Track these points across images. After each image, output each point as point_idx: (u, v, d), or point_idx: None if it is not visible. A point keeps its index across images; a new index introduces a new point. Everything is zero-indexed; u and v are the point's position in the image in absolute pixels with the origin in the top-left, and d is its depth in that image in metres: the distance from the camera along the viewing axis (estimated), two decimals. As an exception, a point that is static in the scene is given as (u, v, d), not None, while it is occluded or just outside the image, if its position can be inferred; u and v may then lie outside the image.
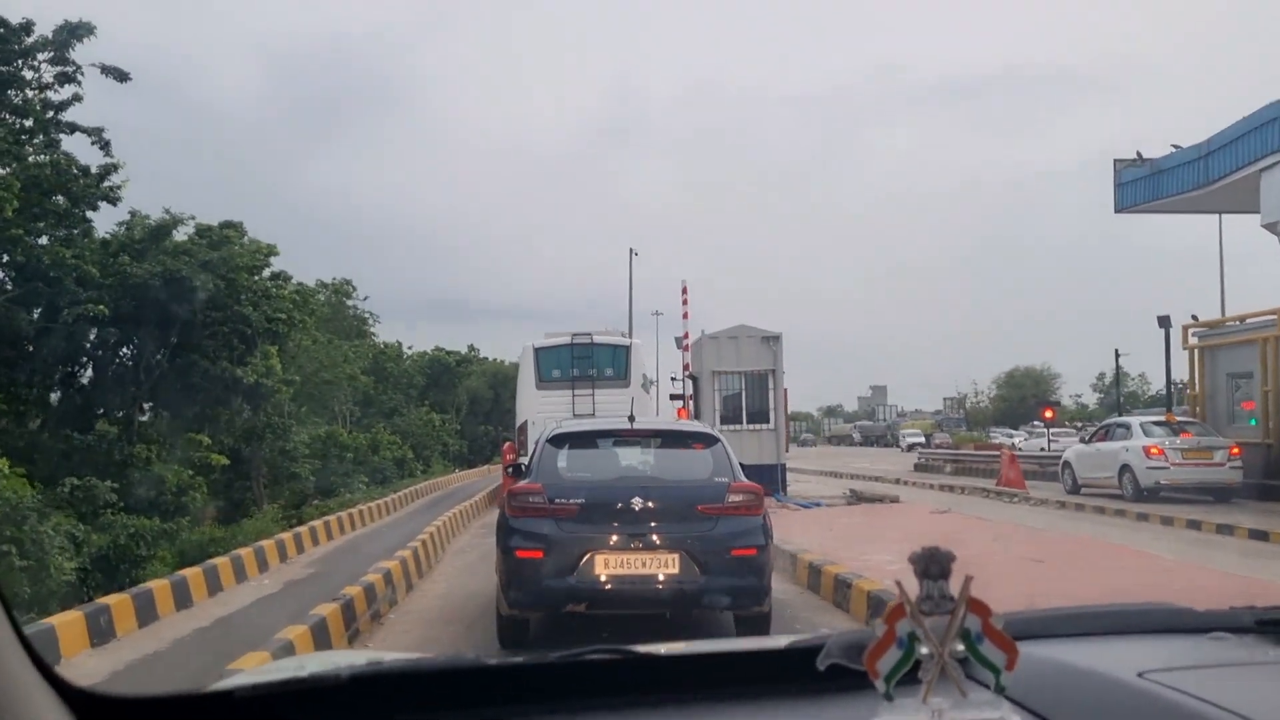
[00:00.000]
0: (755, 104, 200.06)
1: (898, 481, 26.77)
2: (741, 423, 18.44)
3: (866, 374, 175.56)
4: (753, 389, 18.59)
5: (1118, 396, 33.33)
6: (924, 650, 1.07)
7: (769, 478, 18.07)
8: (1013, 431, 55.52)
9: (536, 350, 20.21)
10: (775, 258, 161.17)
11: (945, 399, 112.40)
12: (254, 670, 1.91)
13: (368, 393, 35.29)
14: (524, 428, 19.00)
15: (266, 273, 25.40)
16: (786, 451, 19.87)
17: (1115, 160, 23.47)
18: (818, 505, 16.52)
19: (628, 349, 20.50)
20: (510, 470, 7.76)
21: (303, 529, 13.70)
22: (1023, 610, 1.71)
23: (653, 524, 6.53)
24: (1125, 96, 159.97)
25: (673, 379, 25.85)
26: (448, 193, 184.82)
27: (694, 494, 6.80)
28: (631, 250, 44.86)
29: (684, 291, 22.63)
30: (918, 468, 35.05)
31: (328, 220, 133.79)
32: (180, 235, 22.43)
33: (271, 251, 24.98)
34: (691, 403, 19.85)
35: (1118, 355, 28.11)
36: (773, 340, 18.72)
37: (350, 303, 42.01)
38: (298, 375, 24.70)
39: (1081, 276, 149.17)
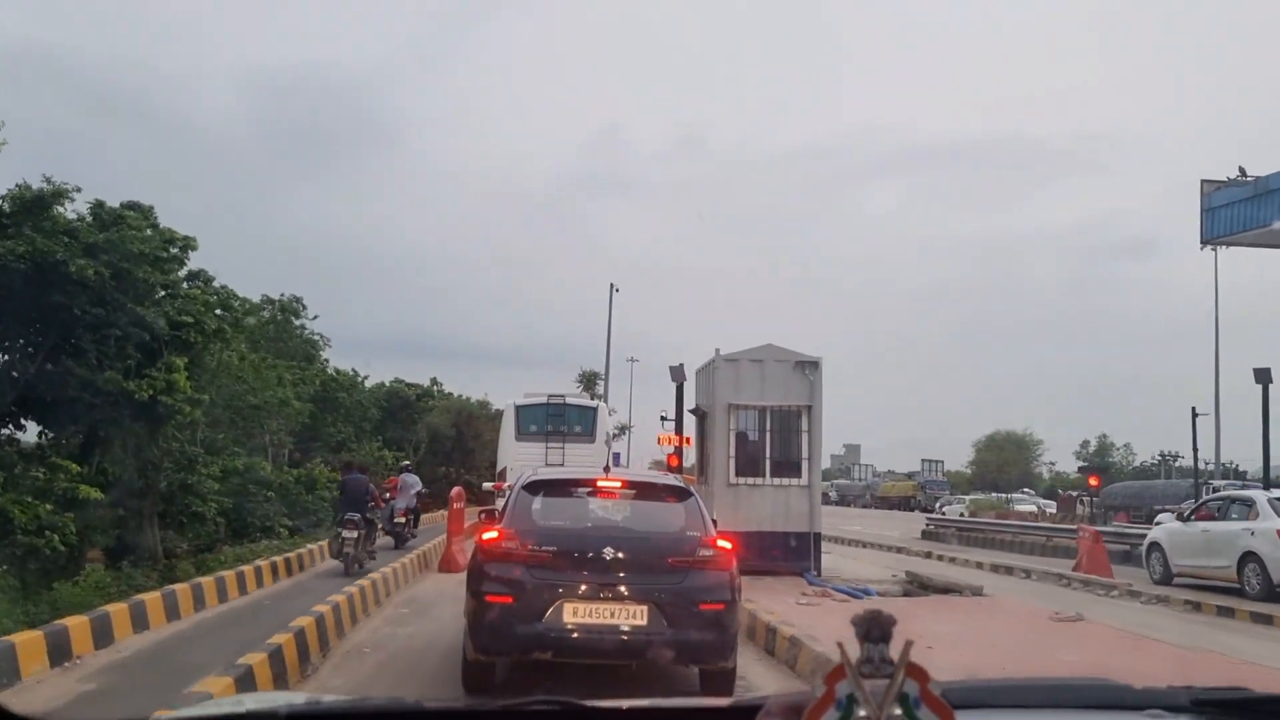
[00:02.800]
0: (740, 159, 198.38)
1: (929, 555, 22.74)
2: (763, 475, 14.10)
3: (839, 431, 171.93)
4: (780, 430, 14.16)
5: (1195, 464, 29.17)
6: (862, 713, 1.06)
7: (800, 551, 13.78)
8: (1035, 497, 53.44)
9: (518, 407, 23.51)
10: (751, 311, 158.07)
11: (924, 460, 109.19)
12: (193, 706, 1.88)
13: (306, 422, 30.76)
14: (504, 473, 21.69)
15: (183, 272, 21.32)
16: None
17: (1203, 181, 19.67)
18: (868, 593, 12.22)
19: (595, 410, 24.08)
20: (483, 515, 7.84)
21: (122, 604, 9.00)
22: (965, 679, 1.68)
23: (623, 574, 6.50)
24: (1107, 169, 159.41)
25: (663, 419, 21.10)
26: (423, 228, 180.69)
27: (665, 546, 6.79)
28: (612, 285, 44.56)
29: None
30: (925, 535, 32.36)
31: (297, 248, 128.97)
32: (71, 214, 18.22)
33: (188, 244, 20.63)
34: (693, 447, 15.54)
35: (1194, 414, 23.98)
36: (810, 367, 14.29)
37: (299, 322, 37.78)
38: (208, 395, 20.22)
39: (1062, 344, 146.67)
